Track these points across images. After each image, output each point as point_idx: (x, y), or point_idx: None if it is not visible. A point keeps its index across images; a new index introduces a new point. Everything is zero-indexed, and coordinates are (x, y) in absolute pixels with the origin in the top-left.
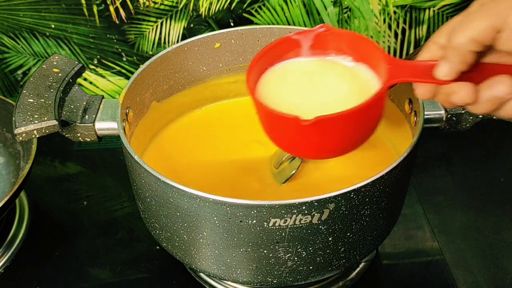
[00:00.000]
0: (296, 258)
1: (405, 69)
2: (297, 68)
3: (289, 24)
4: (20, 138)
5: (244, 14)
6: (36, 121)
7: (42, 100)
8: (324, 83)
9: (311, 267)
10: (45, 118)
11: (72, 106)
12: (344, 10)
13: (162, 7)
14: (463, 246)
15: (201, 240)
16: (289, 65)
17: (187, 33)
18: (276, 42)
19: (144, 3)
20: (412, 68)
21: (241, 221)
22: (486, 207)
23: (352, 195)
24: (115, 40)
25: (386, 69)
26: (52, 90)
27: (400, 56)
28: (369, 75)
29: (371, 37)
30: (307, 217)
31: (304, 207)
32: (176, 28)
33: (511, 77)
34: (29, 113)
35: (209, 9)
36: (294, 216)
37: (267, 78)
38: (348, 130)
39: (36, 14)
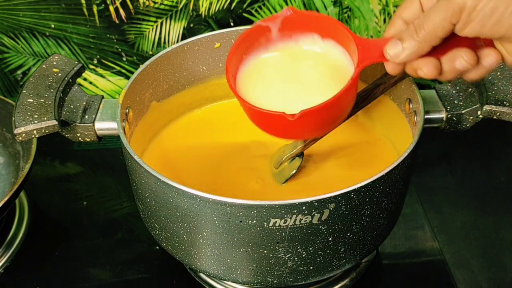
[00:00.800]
0: (296, 258)
1: (374, 50)
2: (272, 62)
3: None
4: (20, 138)
5: (244, 14)
6: (36, 121)
7: (42, 100)
8: (300, 72)
9: (311, 267)
10: (45, 118)
11: (72, 106)
12: (344, 10)
13: (162, 7)
14: (464, 246)
15: (201, 240)
16: (264, 60)
17: (187, 33)
18: (247, 32)
19: (144, 3)
20: (381, 48)
21: (241, 221)
22: (486, 207)
23: (352, 195)
24: (115, 40)
25: (355, 50)
26: (52, 90)
27: None
28: (339, 55)
29: (371, 37)
30: (307, 217)
31: (304, 207)
32: (176, 28)
33: (469, 50)
34: (28, 113)
35: (209, 9)
36: (294, 216)
37: (245, 74)
38: (329, 114)
39: (36, 14)
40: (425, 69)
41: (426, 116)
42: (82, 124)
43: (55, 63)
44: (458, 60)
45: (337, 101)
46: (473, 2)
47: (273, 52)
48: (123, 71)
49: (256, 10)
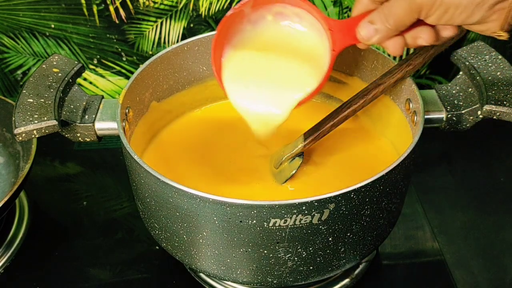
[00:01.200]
0: (296, 258)
1: (346, 32)
2: (250, 56)
3: None
4: (20, 138)
5: None
6: (36, 121)
7: (42, 100)
8: (277, 60)
9: (311, 267)
10: (45, 118)
11: (72, 106)
12: (344, 10)
13: (162, 7)
14: (463, 246)
15: (201, 240)
16: (242, 52)
17: (187, 33)
18: (223, 23)
19: (144, 3)
20: (352, 29)
21: (241, 221)
22: (486, 207)
23: (352, 195)
24: (115, 40)
25: (328, 32)
26: (52, 90)
27: (400, 57)
28: (314, 27)
29: None
30: (307, 217)
31: (304, 207)
32: (176, 28)
33: (429, 30)
34: (28, 113)
35: (209, 9)
36: (294, 216)
37: (229, 65)
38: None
39: (36, 14)
40: (391, 48)
41: (426, 116)
42: (82, 124)
43: (55, 63)
44: (419, 40)
45: (318, 88)
46: (429, 1)
47: (247, 25)
48: (123, 71)
49: None
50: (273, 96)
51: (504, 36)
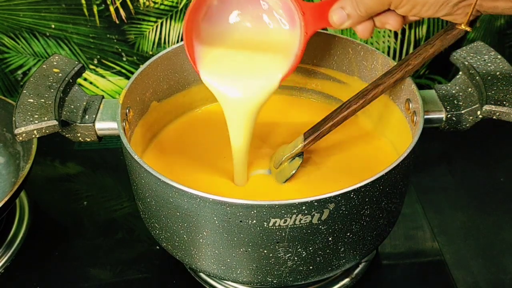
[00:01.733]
0: (296, 258)
1: (320, 16)
2: (227, 52)
3: None
4: (20, 138)
5: None
6: (36, 121)
7: (42, 100)
8: (252, 42)
9: (311, 267)
10: (45, 118)
11: (72, 106)
12: None
13: (162, 7)
14: (463, 246)
15: (201, 240)
16: (220, 51)
17: None
18: (190, 11)
19: (144, 3)
20: (324, 13)
21: (241, 221)
22: (486, 207)
23: (352, 195)
24: (115, 40)
25: (301, 14)
26: (52, 90)
27: (400, 57)
28: (286, 16)
29: (371, 37)
30: (307, 217)
31: (304, 207)
32: (176, 28)
33: (396, 17)
34: (29, 113)
35: None
36: (294, 216)
37: (204, 56)
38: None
39: (36, 14)
40: (361, 32)
41: (425, 116)
42: (82, 124)
43: (55, 63)
44: (387, 25)
45: (290, 71)
46: None
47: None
48: (123, 71)
49: None
50: (246, 82)
51: (468, 29)
